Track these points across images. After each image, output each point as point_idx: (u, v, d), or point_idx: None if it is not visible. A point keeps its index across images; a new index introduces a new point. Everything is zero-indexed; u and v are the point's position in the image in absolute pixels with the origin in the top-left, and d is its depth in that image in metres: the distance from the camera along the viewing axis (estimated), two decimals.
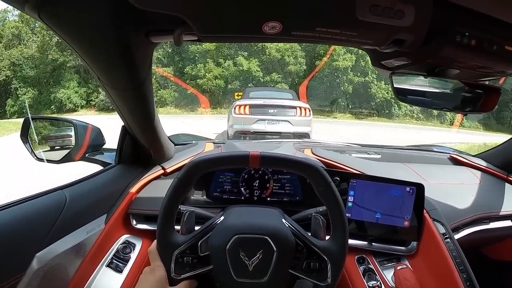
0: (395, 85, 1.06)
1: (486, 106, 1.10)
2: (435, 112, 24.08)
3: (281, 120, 7.61)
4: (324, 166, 1.56)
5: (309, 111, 7.89)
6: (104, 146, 1.55)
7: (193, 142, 1.93)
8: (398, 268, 1.27)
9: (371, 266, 1.31)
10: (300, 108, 7.81)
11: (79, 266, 1.13)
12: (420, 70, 1.02)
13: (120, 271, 1.23)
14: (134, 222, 1.34)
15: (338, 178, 1.34)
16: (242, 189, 1.51)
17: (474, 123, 24.33)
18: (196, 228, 0.98)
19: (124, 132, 1.36)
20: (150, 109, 1.18)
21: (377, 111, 24.01)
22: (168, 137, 1.55)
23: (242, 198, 1.51)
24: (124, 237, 1.32)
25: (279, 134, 7.27)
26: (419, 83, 1.11)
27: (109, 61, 0.90)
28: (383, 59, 1.01)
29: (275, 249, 0.88)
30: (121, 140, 1.38)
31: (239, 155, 0.91)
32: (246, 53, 24.87)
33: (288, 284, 1.00)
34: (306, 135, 7.49)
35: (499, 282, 1.98)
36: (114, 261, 1.24)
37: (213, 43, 23.30)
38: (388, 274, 1.29)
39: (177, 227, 0.96)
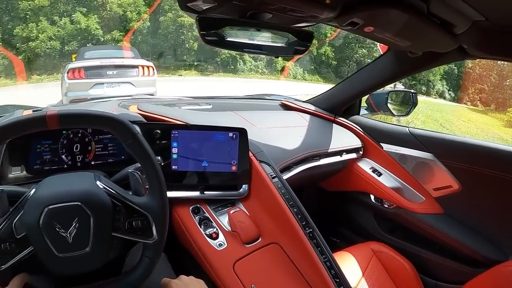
0: (201, 31, 1.01)
1: (301, 51, 1.17)
2: (279, 66, 25.51)
3: (122, 82, 7.33)
4: (144, 120, 1.51)
5: (153, 69, 7.77)
6: None
7: (11, 112, 1.66)
8: (231, 212, 1.35)
9: (206, 215, 1.35)
10: (143, 67, 7.67)
11: None
12: (231, 14, 1.01)
13: None
14: None
15: (158, 131, 1.34)
16: (63, 156, 1.38)
17: (315, 77, 26.48)
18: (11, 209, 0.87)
19: None
20: None
21: (223, 67, 24.36)
22: None
23: (65, 166, 1.39)
24: None
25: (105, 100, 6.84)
26: (235, 40, 1.09)
27: None
28: (190, 1, 0.96)
29: (90, 214, 0.83)
30: None
31: (34, 117, 0.80)
32: (85, 9, 22.33)
33: (116, 250, 0.99)
34: None
35: (340, 210, 2.29)
36: None
37: None
38: (224, 219, 1.36)
39: None
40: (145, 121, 1.48)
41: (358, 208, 2.21)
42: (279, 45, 1.15)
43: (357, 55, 27.06)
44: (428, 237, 1.91)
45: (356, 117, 2.23)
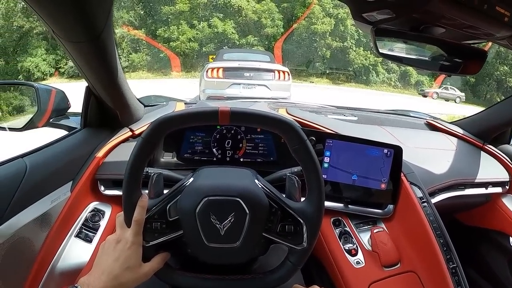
0: (376, 42, 0.97)
1: (470, 70, 1.08)
2: (413, 80, 24.60)
3: (258, 85, 7.30)
4: (299, 126, 1.43)
5: (288, 74, 7.68)
6: (72, 110, 1.47)
7: (164, 103, 1.82)
8: (374, 231, 1.29)
9: (347, 229, 1.32)
10: (279, 71, 7.56)
11: (45, 238, 1.07)
12: (403, 26, 0.96)
13: (89, 240, 1.18)
14: (102, 188, 1.27)
15: (313, 138, 1.32)
16: (214, 149, 1.48)
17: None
18: (165, 191, 0.91)
19: (89, 93, 1.26)
20: (112, 65, 1.06)
21: (355, 76, 24.05)
22: (138, 98, 1.48)
23: (214, 159, 1.48)
24: (93, 204, 1.26)
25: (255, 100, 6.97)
26: (397, 51, 1.06)
27: (61, 6, 0.78)
28: (364, 11, 0.92)
29: (247, 211, 0.83)
30: (86, 102, 1.29)
31: (207, 110, 0.82)
32: (222, 14, 24.27)
33: (261, 249, 0.97)
34: None
35: (469, 248, 2.05)
36: (83, 230, 1.19)
37: (187, 3, 22.81)
38: (365, 237, 1.31)
39: (146, 191, 0.90)
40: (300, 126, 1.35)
41: (492, 250, 1.95)
42: (446, 62, 1.09)
43: (498, 73, 24.83)
44: None
45: (505, 147, 1.95)
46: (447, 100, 22.46)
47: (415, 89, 24.81)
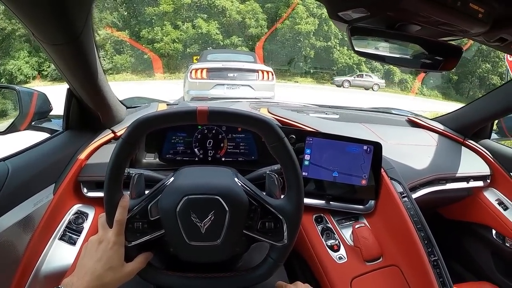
0: (353, 41, 0.99)
1: (446, 66, 1.10)
2: (396, 79, 24.58)
3: (242, 85, 7.35)
4: (280, 124, 1.54)
5: (272, 74, 7.71)
6: (54, 113, 1.46)
7: (146, 104, 1.84)
8: (356, 226, 1.30)
9: (329, 225, 1.34)
10: (262, 71, 7.60)
11: (29, 241, 1.07)
12: (379, 24, 0.97)
13: (73, 243, 1.18)
14: (85, 190, 1.28)
15: (294, 136, 1.34)
16: (195, 149, 1.49)
17: (434, 92, 24.94)
18: (147, 192, 0.92)
19: (70, 95, 1.27)
20: (92, 66, 1.07)
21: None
22: (120, 100, 1.50)
23: (196, 159, 1.49)
24: (76, 206, 1.26)
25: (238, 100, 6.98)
26: (379, 50, 1.08)
27: (38, 8, 0.79)
28: (340, 10, 0.93)
29: (227, 209, 0.84)
30: (67, 104, 1.30)
31: (185, 110, 0.83)
32: (206, 15, 24.15)
33: (243, 247, 0.98)
34: None
35: (453, 241, 2.10)
36: (66, 233, 1.19)
37: (171, 4, 22.65)
38: (347, 233, 1.32)
39: (128, 192, 0.91)
40: (280, 125, 1.50)
41: (475, 243, 2.00)
42: (423, 59, 1.12)
43: (480, 70, 25.11)
44: None
45: (486, 141, 2.02)
46: (366, 88, 22.12)
47: (399, 87, 24.96)
